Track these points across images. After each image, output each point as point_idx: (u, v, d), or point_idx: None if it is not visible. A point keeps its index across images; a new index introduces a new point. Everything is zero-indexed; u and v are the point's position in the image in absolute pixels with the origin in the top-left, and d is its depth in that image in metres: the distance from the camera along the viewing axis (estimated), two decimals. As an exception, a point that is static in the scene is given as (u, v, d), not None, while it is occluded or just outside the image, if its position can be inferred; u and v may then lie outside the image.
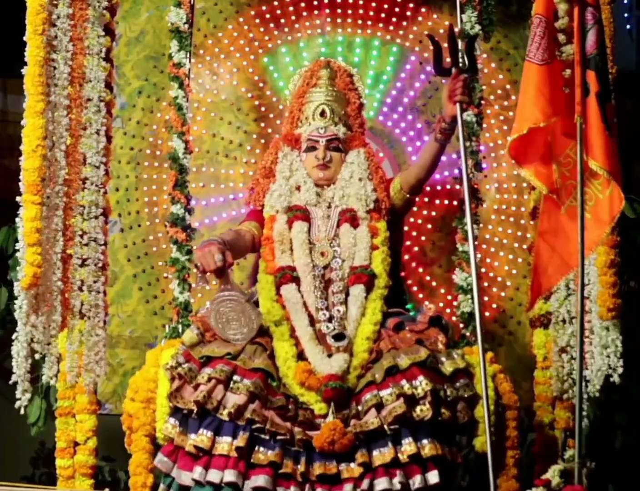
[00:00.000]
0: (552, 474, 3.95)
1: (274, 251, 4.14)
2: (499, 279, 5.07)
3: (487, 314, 5.03)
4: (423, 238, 5.08)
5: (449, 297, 4.72)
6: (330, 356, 3.91)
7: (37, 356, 4.12)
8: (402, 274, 4.92)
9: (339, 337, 3.93)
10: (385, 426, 3.76)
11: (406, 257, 5.04)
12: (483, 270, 5.03)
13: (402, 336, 3.98)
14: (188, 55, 4.62)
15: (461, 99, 3.99)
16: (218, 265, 3.88)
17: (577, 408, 3.70)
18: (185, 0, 4.63)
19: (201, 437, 3.77)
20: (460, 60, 4.06)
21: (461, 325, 4.43)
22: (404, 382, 3.80)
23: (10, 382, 4.07)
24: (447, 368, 3.90)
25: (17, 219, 4.04)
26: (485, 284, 5.04)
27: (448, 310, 4.81)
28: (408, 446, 3.74)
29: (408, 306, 4.81)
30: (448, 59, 4.05)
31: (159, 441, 3.94)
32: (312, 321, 3.99)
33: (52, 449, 4.44)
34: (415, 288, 5.04)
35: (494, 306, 5.06)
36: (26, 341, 4.03)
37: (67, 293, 4.19)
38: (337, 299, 4.03)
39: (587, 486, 3.65)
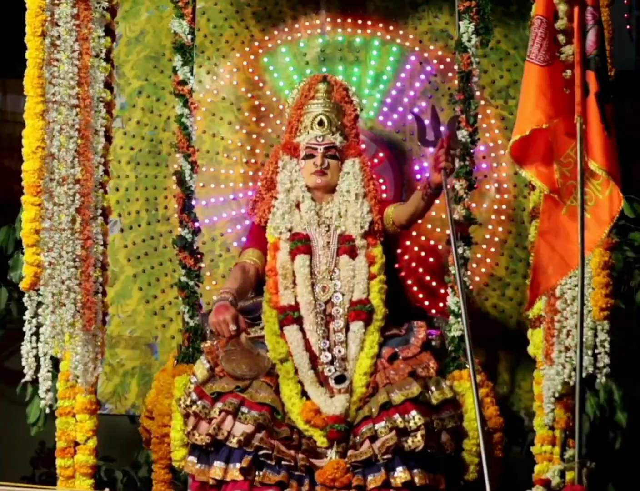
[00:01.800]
0: (552, 474, 3.96)
1: (277, 285, 4.33)
2: (499, 279, 5.07)
3: (487, 314, 5.03)
4: (423, 238, 5.08)
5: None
6: (332, 396, 4.13)
7: (59, 356, 4.17)
8: (402, 274, 4.94)
9: (340, 379, 4.16)
10: (379, 456, 3.98)
11: (406, 257, 5.04)
12: (483, 270, 5.04)
13: (396, 367, 4.21)
14: (191, 69, 4.60)
15: (445, 165, 4.26)
16: (232, 334, 4.21)
17: (577, 408, 3.70)
18: (188, 11, 4.60)
19: (215, 469, 4.01)
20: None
21: (452, 350, 4.45)
22: (397, 416, 4.02)
23: (23, 380, 4.07)
24: (436, 397, 4.13)
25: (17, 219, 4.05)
26: (485, 284, 5.05)
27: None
28: (402, 473, 3.97)
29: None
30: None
31: (177, 468, 4.21)
32: (315, 361, 4.20)
33: (52, 449, 4.43)
34: (415, 288, 5.04)
35: (494, 306, 5.06)
36: (45, 341, 4.02)
37: (89, 294, 4.18)
38: (337, 338, 4.25)
39: (587, 486, 3.65)
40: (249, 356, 4.18)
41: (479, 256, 4.99)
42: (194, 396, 4.12)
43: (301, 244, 4.37)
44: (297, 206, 4.47)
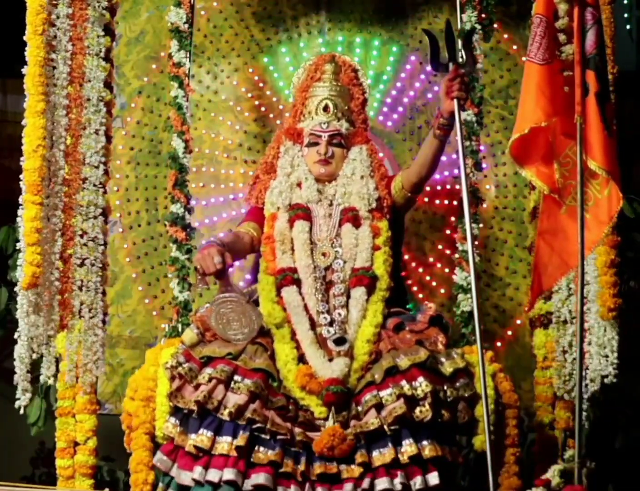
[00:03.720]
0: (552, 474, 3.95)
1: (275, 251, 4.12)
2: (499, 279, 5.07)
3: (487, 314, 5.03)
4: (423, 238, 5.08)
5: (449, 297, 4.72)
6: (331, 360, 3.91)
7: (34, 356, 4.14)
8: (403, 273, 4.93)
9: (339, 341, 3.93)
10: (385, 427, 3.76)
11: (406, 257, 5.04)
12: (483, 270, 5.04)
13: (402, 336, 3.98)
14: (188, 55, 4.61)
15: (458, 94, 3.99)
16: (218, 267, 3.89)
17: (577, 408, 3.70)
18: (185, 0, 4.63)
19: (201, 437, 3.78)
20: (459, 55, 4.08)
21: (461, 325, 4.42)
22: (404, 383, 3.80)
23: (15, 383, 4.07)
24: (447, 368, 3.90)
25: (17, 219, 4.05)
26: (486, 284, 5.04)
27: (448, 311, 4.79)
28: (409, 447, 3.75)
29: (409, 306, 4.84)
30: (445, 55, 4.06)
31: (158, 439, 3.95)
32: (313, 325, 3.98)
33: (52, 449, 4.44)
34: (415, 288, 5.03)
35: (494, 306, 5.06)
36: (27, 341, 4.04)
37: (67, 293, 4.19)
38: (338, 302, 4.03)
39: (587, 486, 3.65)
40: (240, 311, 3.89)
41: (477, 257, 4.98)
42: (181, 358, 3.90)
43: (301, 211, 4.17)
44: (298, 185, 4.27)
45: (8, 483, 4.25)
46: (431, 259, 5.07)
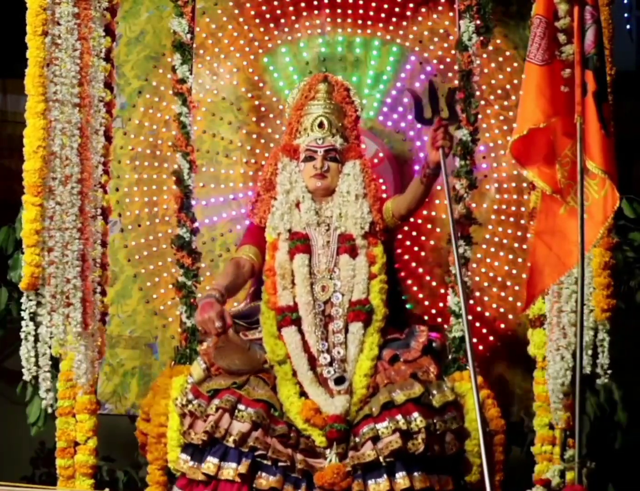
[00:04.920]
0: (552, 474, 3.96)
1: (276, 285, 4.29)
2: (499, 279, 5.07)
3: (487, 314, 5.04)
4: (423, 238, 5.08)
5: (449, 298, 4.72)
6: (332, 397, 4.09)
7: (63, 356, 4.20)
8: (402, 274, 4.93)
9: (339, 381, 4.12)
10: (381, 458, 3.95)
11: (406, 257, 5.04)
12: (483, 270, 5.04)
13: (397, 368, 4.19)
14: (190, 68, 4.62)
15: (443, 143, 4.19)
16: (219, 331, 4.12)
17: (577, 408, 3.70)
18: (187, 10, 4.62)
19: (208, 464, 3.99)
20: (442, 110, 4.26)
21: (452, 351, 4.47)
22: (399, 417, 3.99)
23: (27, 379, 4.07)
24: (437, 401, 4.10)
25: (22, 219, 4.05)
26: (485, 284, 5.05)
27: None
28: (401, 480, 3.96)
29: (408, 306, 4.85)
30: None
31: (172, 470, 4.17)
32: (313, 363, 4.17)
33: (52, 449, 4.44)
34: (415, 288, 5.04)
35: (494, 306, 5.06)
36: (44, 341, 4.03)
37: (87, 291, 4.19)
38: (337, 339, 4.21)
39: (587, 486, 3.65)
40: (241, 351, 4.15)
41: (479, 256, 4.99)
42: (190, 395, 4.10)
43: (300, 243, 4.33)
44: (297, 205, 4.42)
45: (8, 483, 4.26)
46: (431, 260, 5.07)
